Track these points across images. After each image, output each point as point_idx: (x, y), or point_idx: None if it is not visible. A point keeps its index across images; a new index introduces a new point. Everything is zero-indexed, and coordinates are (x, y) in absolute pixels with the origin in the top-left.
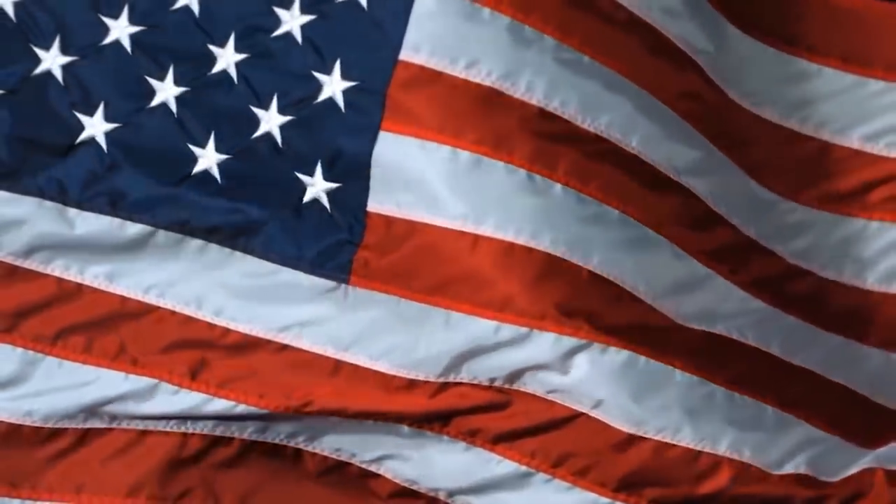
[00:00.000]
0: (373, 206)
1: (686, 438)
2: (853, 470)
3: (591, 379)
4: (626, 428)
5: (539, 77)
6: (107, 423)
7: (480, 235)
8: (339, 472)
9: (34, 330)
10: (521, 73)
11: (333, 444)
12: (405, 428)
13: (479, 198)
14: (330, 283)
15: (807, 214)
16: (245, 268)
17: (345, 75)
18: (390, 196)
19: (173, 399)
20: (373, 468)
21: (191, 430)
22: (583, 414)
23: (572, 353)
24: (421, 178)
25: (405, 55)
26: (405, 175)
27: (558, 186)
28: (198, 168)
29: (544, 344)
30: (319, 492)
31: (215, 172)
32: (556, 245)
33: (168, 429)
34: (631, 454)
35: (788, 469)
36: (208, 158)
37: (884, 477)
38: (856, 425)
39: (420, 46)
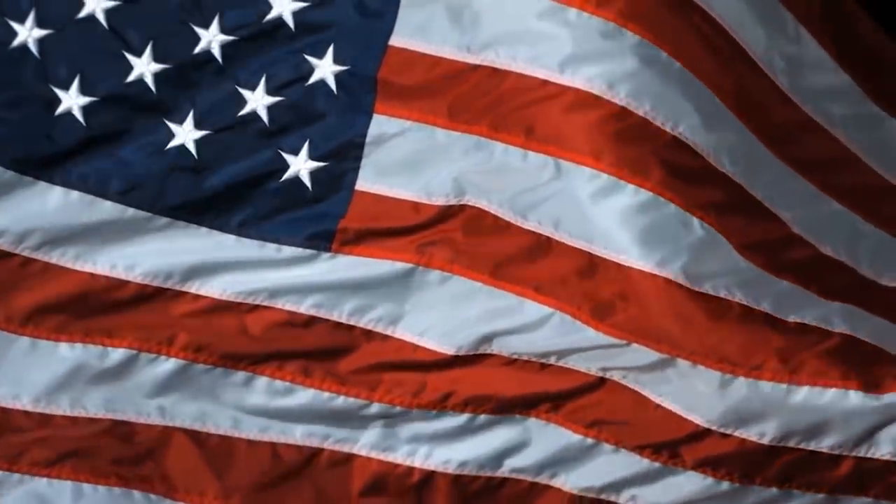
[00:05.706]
0: (361, 185)
1: None
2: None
3: None
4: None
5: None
6: None
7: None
8: None
9: None
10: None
11: None
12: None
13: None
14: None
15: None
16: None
17: (337, 60)
18: (382, 177)
19: None
20: None
21: None
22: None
23: None
24: (414, 160)
25: (395, 41)
26: (397, 156)
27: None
28: (174, 143)
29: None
30: None
31: (192, 148)
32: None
33: None
34: None
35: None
36: (185, 133)
37: None
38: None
39: (409, 32)
